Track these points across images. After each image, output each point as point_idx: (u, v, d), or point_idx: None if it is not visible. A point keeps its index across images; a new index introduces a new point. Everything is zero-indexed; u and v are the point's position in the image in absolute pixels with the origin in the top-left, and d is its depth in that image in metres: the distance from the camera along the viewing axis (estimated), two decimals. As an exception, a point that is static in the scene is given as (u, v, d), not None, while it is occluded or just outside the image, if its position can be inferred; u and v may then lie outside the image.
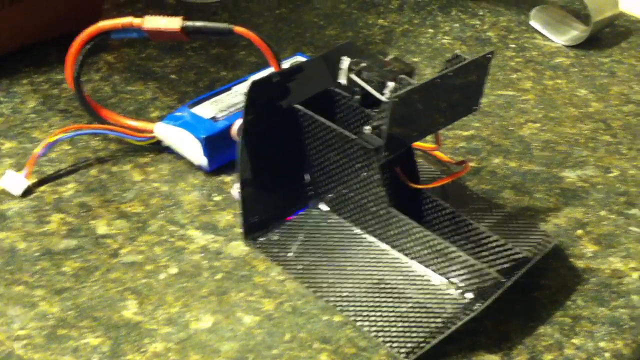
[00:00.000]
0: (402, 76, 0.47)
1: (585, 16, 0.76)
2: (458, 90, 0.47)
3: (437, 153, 0.57)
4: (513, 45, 0.74)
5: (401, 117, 0.45)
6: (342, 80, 0.50)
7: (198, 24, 0.53)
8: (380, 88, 0.48)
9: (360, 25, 0.76)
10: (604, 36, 0.77)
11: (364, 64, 0.49)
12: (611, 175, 0.58)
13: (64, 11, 0.66)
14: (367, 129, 0.47)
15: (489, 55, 0.47)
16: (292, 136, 0.52)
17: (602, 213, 0.54)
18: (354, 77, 0.49)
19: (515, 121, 0.63)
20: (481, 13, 0.80)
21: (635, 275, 0.50)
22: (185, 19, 0.53)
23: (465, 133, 0.61)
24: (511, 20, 0.79)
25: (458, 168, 0.56)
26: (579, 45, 0.74)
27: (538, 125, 0.63)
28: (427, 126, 0.48)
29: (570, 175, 0.58)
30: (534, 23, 0.78)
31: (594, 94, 0.68)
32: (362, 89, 0.49)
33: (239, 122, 0.52)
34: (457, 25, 0.77)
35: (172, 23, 0.53)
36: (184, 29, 0.53)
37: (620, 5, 0.76)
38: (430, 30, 0.76)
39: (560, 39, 0.76)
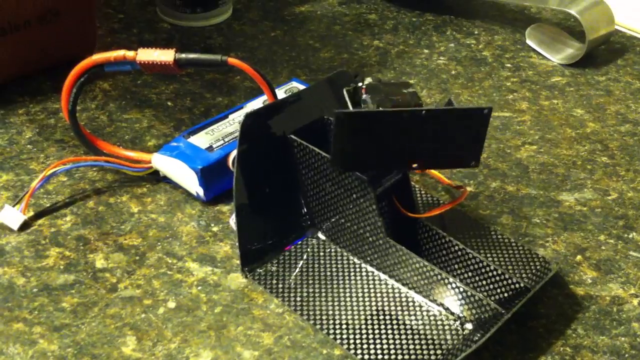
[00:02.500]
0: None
1: (581, 34, 0.76)
2: (446, 135, 0.46)
3: (435, 172, 0.56)
4: (509, 65, 0.74)
5: (356, 136, 0.45)
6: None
7: (191, 55, 0.53)
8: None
9: (355, 47, 0.76)
10: (600, 54, 0.77)
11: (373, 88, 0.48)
12: (609, 198, 0.58)
13: (58, 40, 0.65)
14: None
15: (486, 111, 0.45)
16: (287, 166, 0.52)
17: (601, 237, 0.54)
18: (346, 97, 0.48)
19: (511, 143, 0.63)
20: (476, 32, 0.79)
21: (635, 301, 0.49)
22: (178, 51, 0.53)
23: (462, 156, 0.61)
24: (506, 39, 0.78)
25: (456, 194, 0.56)
26: (575, 63, 0.74)
27: (535, 147, 0.63)
28: (400, 159, 0.47)
29: (568, 199, 0.57)
30: (529, 41, 0.78)
31: (590, 114, 0.67)
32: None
33: (234, 153, 0.52)
34: (452, 45, 0.77)
35: (165, 55, 0.53)
36: (177, 62, 0.53)
37: (615, 19, 0.76)
38: (426, 51, 0.76)
39: (555, 57, 0.75)
